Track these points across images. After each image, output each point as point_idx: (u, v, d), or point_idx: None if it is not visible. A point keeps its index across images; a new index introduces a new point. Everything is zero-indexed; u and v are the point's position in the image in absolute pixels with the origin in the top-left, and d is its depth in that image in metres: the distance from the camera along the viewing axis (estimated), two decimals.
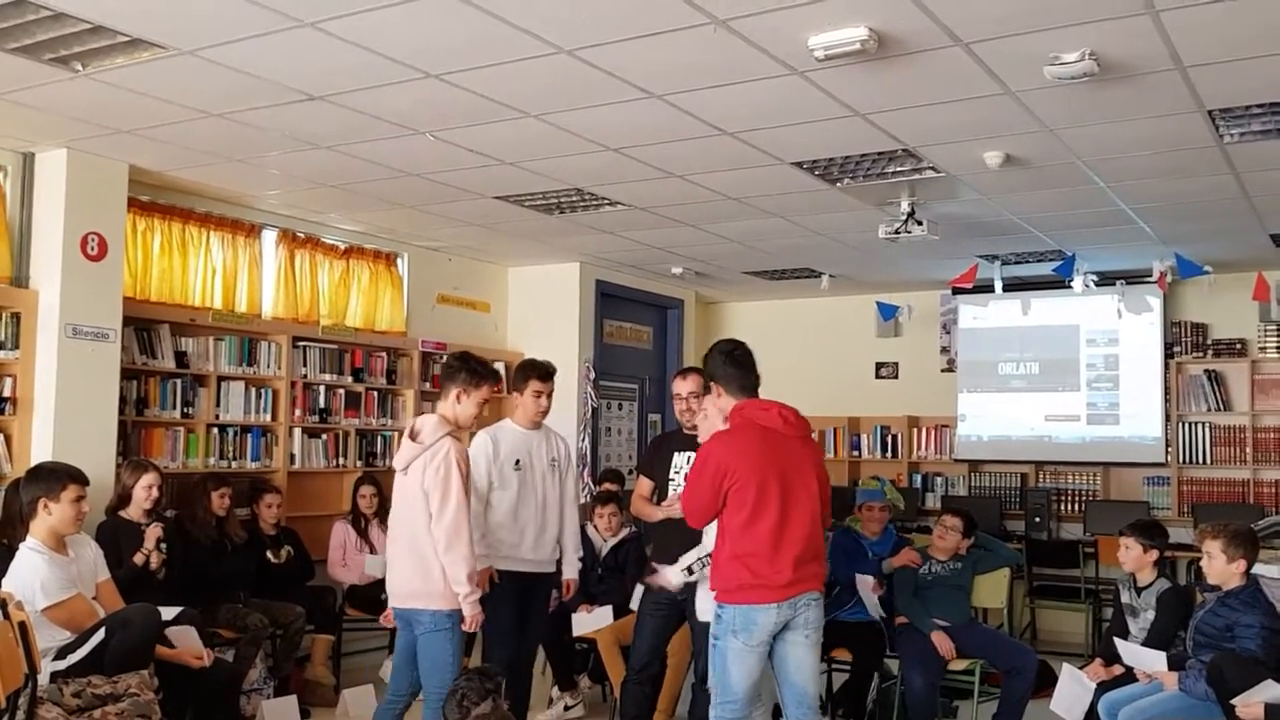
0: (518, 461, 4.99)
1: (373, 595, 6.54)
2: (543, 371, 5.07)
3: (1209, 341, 8.51)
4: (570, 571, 5.24)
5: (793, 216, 6.89)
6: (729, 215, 6.86)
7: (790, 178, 5.89)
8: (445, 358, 4.54)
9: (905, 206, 6.29)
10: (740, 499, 3.86)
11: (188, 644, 4.50)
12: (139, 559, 5.24)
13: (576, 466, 5.32)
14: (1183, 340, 8.58)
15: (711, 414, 4.16)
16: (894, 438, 9.57)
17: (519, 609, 4.99)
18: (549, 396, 5.10)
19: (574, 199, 6.52)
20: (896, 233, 6.32)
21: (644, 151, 5.48)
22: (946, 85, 4.46)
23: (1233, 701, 4.02)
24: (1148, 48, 4.02)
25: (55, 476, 4.53)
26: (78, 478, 4.59)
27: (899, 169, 5.71)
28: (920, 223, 6.27)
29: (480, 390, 4.36)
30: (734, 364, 4.09)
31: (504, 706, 3.02)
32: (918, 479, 9.44)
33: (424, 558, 4.18)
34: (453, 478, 4.14)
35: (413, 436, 4.27)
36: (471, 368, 4.38)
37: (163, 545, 5.42)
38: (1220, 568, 4.55)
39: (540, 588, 5.11)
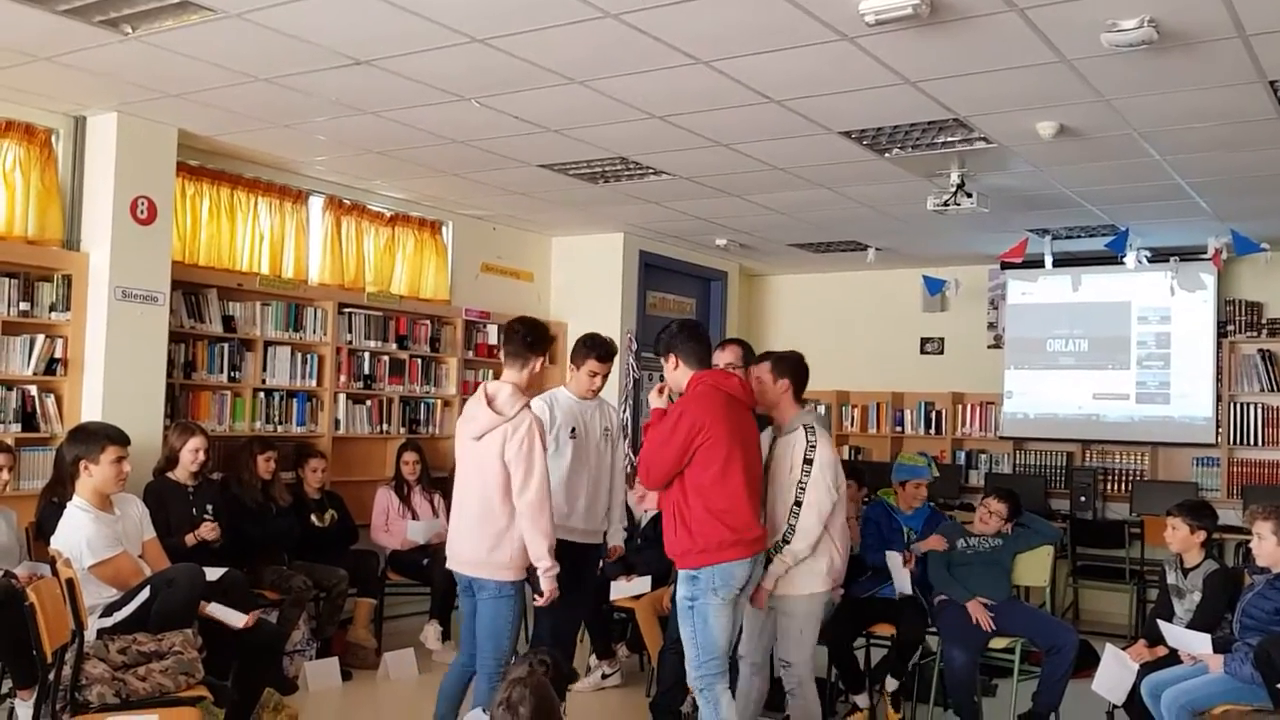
0: (573, 430, 4.96)
1: (414, 560, 6.61)
2: (603, 352, 4.99)
3: (1264, 321, 8.32)
4: (616, 538, 5.25)
5: (839, 187, 6.81)
6: (774, 186, 6.80)
7: (838, 147, 5.82)
8: (511, 324, 4.46)
9: (955, 178, 6.19)
10: (711, 455, 4.02)
11: (227, 618, 4.54)
12: (190, 540, 5.27)
13: (625, 436, 5.31)
14: (1236, 319, 8.39)
15: (670, 381, 4.34)
16: (938, 414, 9.47)
17: (568, 578, 4.85)
18: (604, 378, 5.04)
19: (618, 168, 6.49)
20: (945, 205, 6.23)
21: (690, 119, 5.43)
22: (1000, 52, 4.37)
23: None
24: (1209, 15, 3.91)
25: (94, 438, 4.59)
26: (117, 438, 4.64)
27: (949, 139, 5.62)
28: (970, 195, 6.17)
29: (589, 363, 4.84)
30: (696, 340, 4.34)
31: (540, 673, 3.02)
32: (961, 456, 9.34)
33: (497, 529, 4.16)
34: (536, 452, 4.14)
35: (490, 404, 4.20)
36: (588, 340, 4.84)
37: (208, 509, 5.50)
38: (1270, 550, 4.46)
39: (589, 557, 5.10)
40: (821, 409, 9.26)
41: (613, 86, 4.93)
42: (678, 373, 4.28)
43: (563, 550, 4.74)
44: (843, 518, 4.54)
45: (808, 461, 4.34)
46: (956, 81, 4.74)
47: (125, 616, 4.13)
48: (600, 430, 5.08)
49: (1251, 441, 8.24)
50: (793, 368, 4.52)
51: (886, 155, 5.96)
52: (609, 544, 5.25)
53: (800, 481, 4.32)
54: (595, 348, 4.99)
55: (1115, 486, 8.70)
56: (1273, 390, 8.21)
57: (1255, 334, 8.32)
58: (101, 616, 4.18)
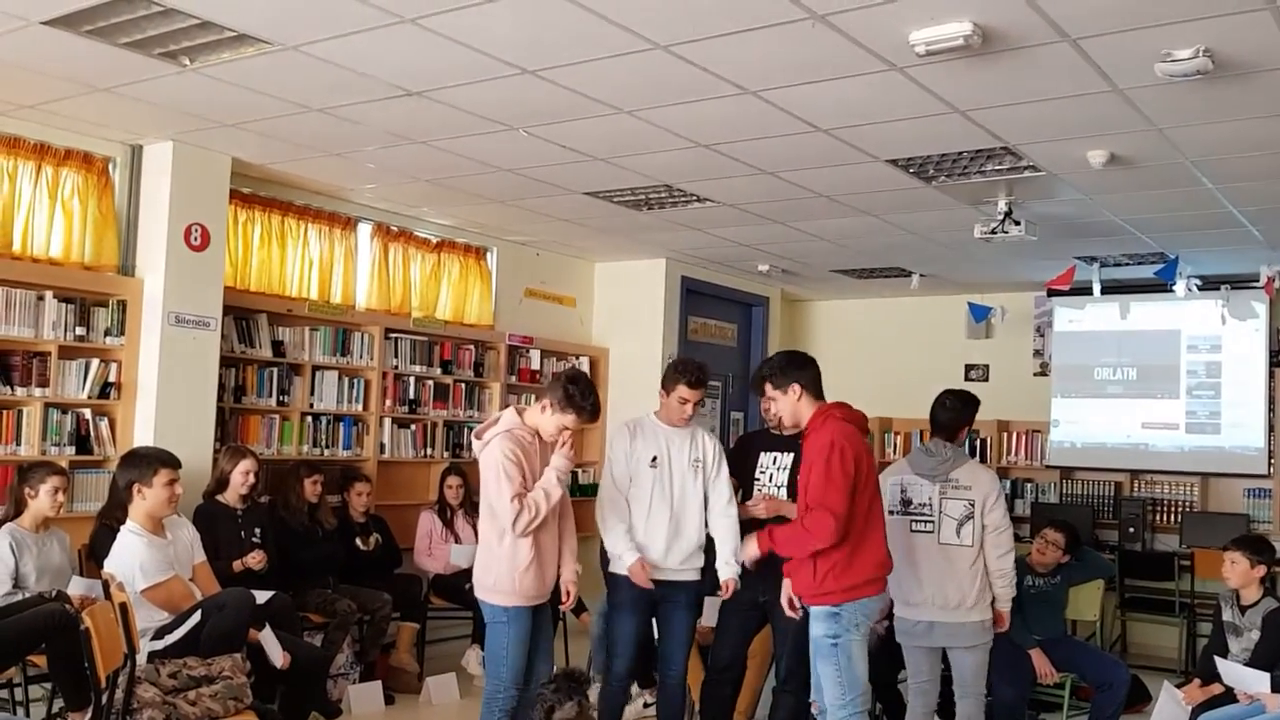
0: (654, 459, 4.68)
1: (457, 585, 6.62)
2: (693, 379, 4.67)
3: None
4: (726, 572, 4.70)
5: (884, 215, 6.79)
6: (819, 213, 6.78)
7: (884, 175, 5.80)
8: (562, 370, 4.48)
9: (1002, 206, 6.15)
10: (863, 489, 3.96)
11: (271, 651, 4.59)
12: (237, 567, 5.32)
13: (726, 465, 4.82)
14: None
15: (785, 412, 4.22)
16: (983, 442, 9.37)
17: (647, 621, 4.76)
18: (695, 405, 4.71)
19: (663, 195, 6.51)
20: (993, 232, 6.19)
21: (735, 148, 5.44)
22: (1051, 82, 4.34)
23: None
24: (1267, 43, 3.86)
25: (147, 462, 4.67)
26: (169, 462, 4.72)
27: (997, 167, 5.58)
28: (1018, 223, 6.13)
29: (566, 416, 4.21)
30: (814, 366, 4.24)
31: (590, 709, 3.02)
32: (1007, 485, 9.21)
33: (487, 551, 4.23)
34: (500, 473, 4.06)
35: (479, 435, 4.29)
36: (569, 393, 4.18)
37: (256, 532, 5.55)
38: None
39: (676, 597, 4.73)
40: None
41: (660, 116, 4.95)
42: (801, 404, 4.15)
43: (641, 588, 4.62)
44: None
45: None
46: (1006, 110, 4.72)
47: (176, 640, 4.17)
48: (689, 460, 4.71)
49: None
50: (786, 365, 4.26)
51: (933, 183, 5.93)
52: (721, 576, 4.71)
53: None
54: (686, 373, 4.69)
55: (1164, 517, 8.56)
56: None
57: None
58: (153, 640, 4.23)
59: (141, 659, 4.01)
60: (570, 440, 4.26)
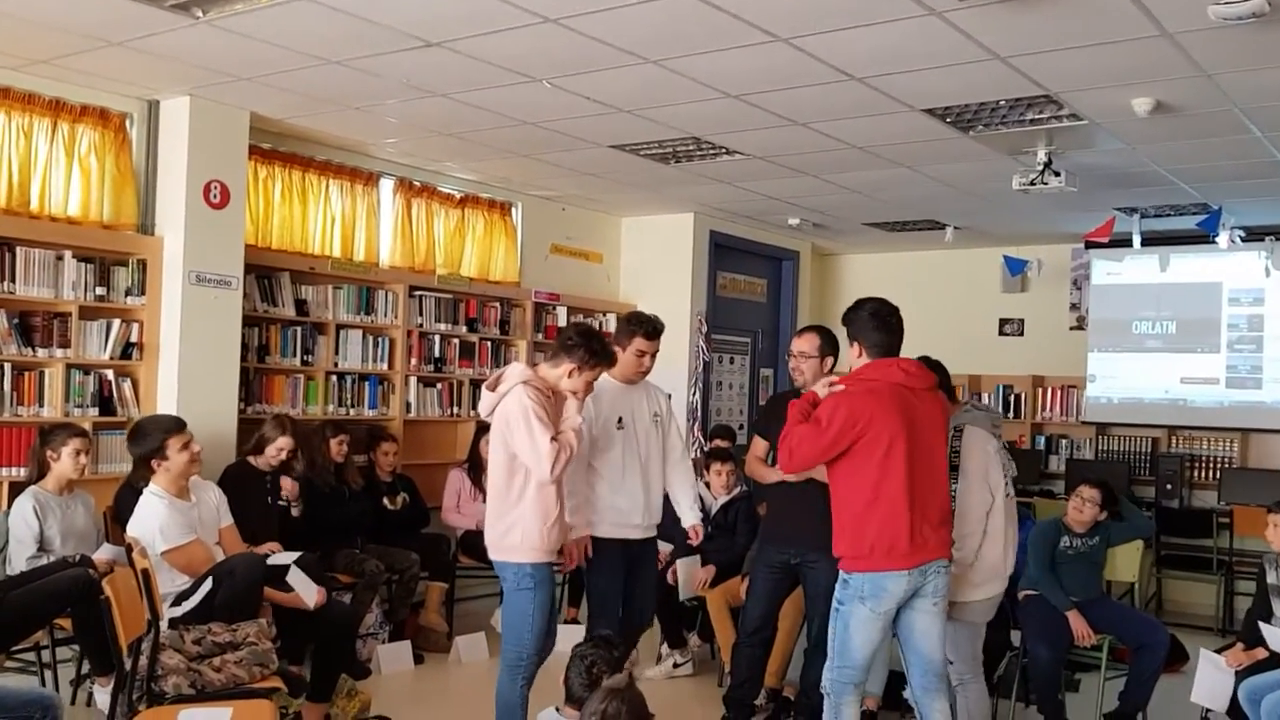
0: (620, 420, 4.61)
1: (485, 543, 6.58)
2: (650, 329, 4.61)
3: None
4: (691, 517, 4.83)
5: (920, 166, 6.61)
6: (852, 165, 6.61)
7: (920, 125, 5.62)
8: (564, 327, 4.39)
9: (1042, 156, 5.97)
10: (868, 455, 3.70)
11: (303, 591, 4.53)
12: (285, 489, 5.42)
13: (677, 416, 4.90)
14: None
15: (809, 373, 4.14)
16: (1017, 397, 9.22)
17: (623, 578, 4.72)
18: (653, 357, 4.66)
19: (690, 148, 6.35)
20: (1031, 184, 6.00)
21: (765, 98, 5.27)
22: (1097, 26, 4.16)
23: None
24: None
25: (152, 436, 4.62)
26: (173, 427, 4.67)
27: (1038, 116, 5.40)
28: (1058, 173, 5.94)
29: (595, 371, 4.16)
30: (886, 329, 3.91)
31: (635, 685, 2.95)
32: (1041, 441, 9.09)
33: (506, 508, 4.08)
34: (531, 417, 3.94)
35: (493, 385, 4.15)
36: (592, 348, 4.12)
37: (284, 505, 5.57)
38: None
39: (648, 553, 4.80)
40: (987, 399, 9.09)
41: (687, 65, 4.80)
42: (860, 362, 3.91)
43: (621, 549, 4.63)
44: (1001, 519, 4.21)
45: (953, 468, 4.10)
46: (1049, 57, 4.53)
47: (192, 607, 4.13)
48: (649, 415, 4.70)
49: None
50: (861, 326, 3.93)
51: (970, 133, 5.75)
52: (685, 523, 4.85)
53: (953, 490, 4.04)
54: (640, 324, 4.62)
55: (1203, 474, 8.40)
56: None
57: None
58: (172, 605, 4.19)
59: (163, 624, 3.97)
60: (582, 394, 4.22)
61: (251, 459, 5.53)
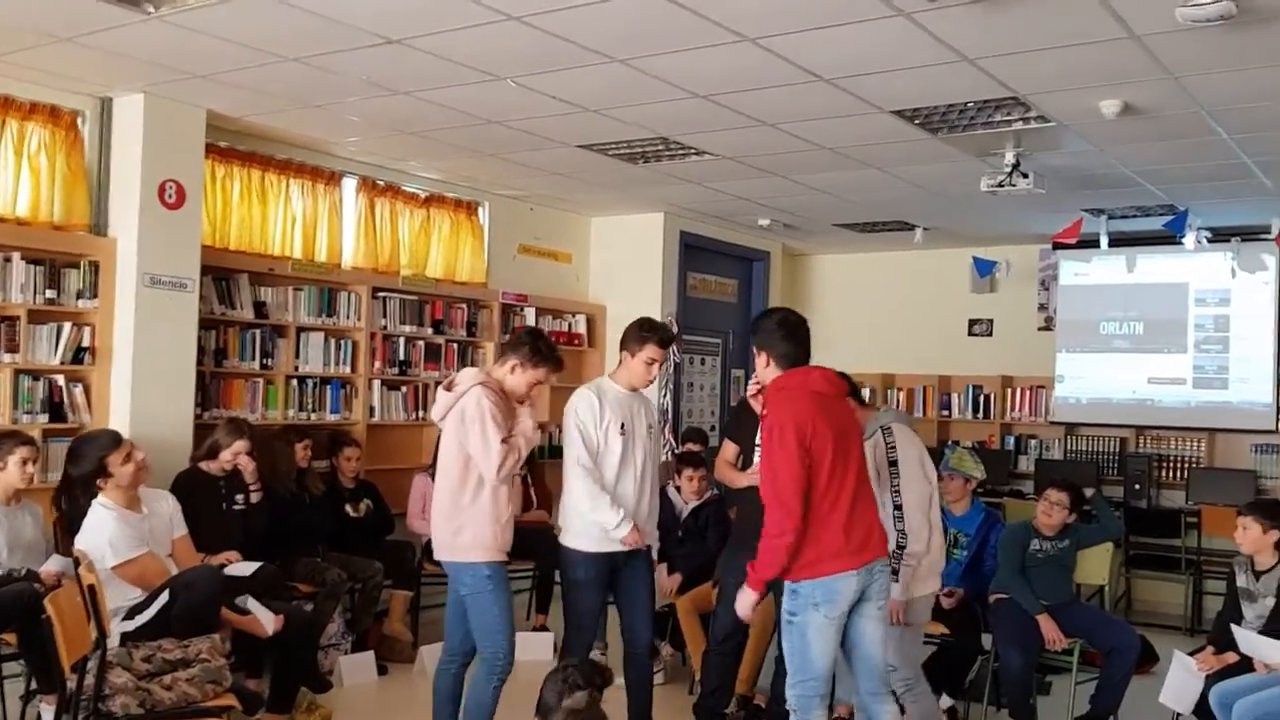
0: (623, 425, 4.47)
1: None
2: (664, 336, 4.51)
3: None
4: (650, 538, 4.69)
5: (889, 167, 6.57)
6: (821, 166, 6.56)
7: (889, 127, 5.57)
8: (514, 330, 4.37)
9: (1010, 158, 5.95)
10: (818, 461, 3.63)
11: (261, 616, 4.43)
12: (218, 561, 5.09)
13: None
14: None
15: (762, 380, 4.01)
16: (986, 398, 9.22)
17: (606, 592, 4.60)
18: (660, 366, 4.57)
19: (659, 148, 6.27)
20: (1000, 185, 5.98)
21: (734, 98, 5.21)
22: (1065, 28, 4.14)
23: None
24: None
25: (89, 455, 4.51)
26: (111, 442, 4.56)
27: (1006, 118, 5.37)
28: (1026, 175, 5.93)
29: (537, 371, 4.21)
30: (793, 338, 3.87)
31: (601, 708, 2.89)
32: (1010, 441, 9.09)
33: (459, 509, 4.10)
34: (487, 419, 3.99)
35: (448, 387, 4.18)
36: (537, 347, 4.20)
37: (238, 499, 5.43)
38: None
39: (640, 565, 4.59)
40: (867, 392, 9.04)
41: (654, 65, 4.72)
42: (768, 371, 3.89)
43: (605, 562, 4.49)
44: (936, 509, 4.47)
45: (892, 464, 4.24)
46: (1018, 59, 4.50)
47: (147, 620, 4.01)
48: (645, 427, 4.59)
49: None
50: (768, 336, 3.91)
51: (939, 135, 5.71)
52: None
53: (893, 485, 4.21)
54: (653, 331, 4.49)
55: (1170, 474, 8.42)
56: None
57: None
58: (124, 619, 4.07)
59: (113, 641, 3.85)
60: (535, 399, 4.30)
61: (204, 465, 5.40)
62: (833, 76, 4.79)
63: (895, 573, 4.20)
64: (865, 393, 8.81)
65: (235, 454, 5.36)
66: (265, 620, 4.44)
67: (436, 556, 4.27)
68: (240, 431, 5.41)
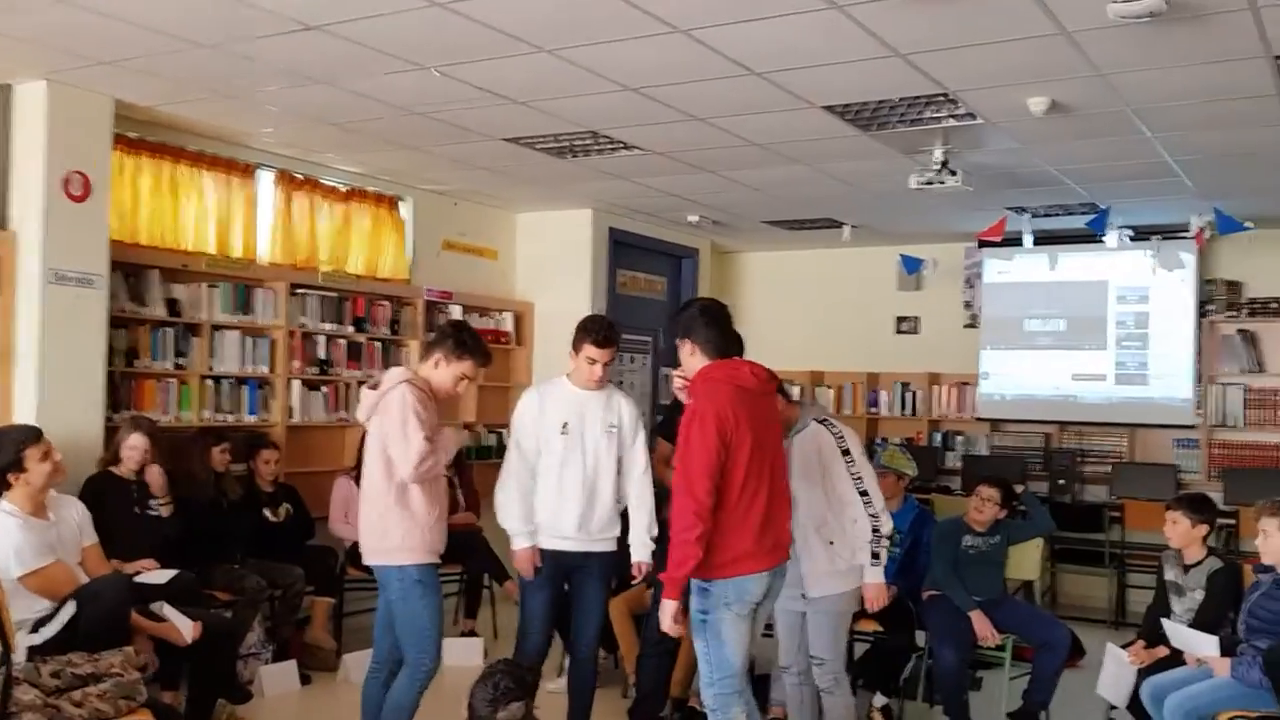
0: (565, 424, 4.41)
1: None
2: (599, 337, 4.39)
3: (1244, 300, 8.19)
4: (640, 553, 4.50)
5: (819, 164, 6.54)
6: (752, 162, 6.51)
7: (820, 123, 5.54)
8: (442, 322, 4.25)
9: (938, 155, 5.97)
10: (735, 458, 3.59)
11: (178, 623, 4.24)
12: (130, 569, 4.87)
13: (644, 430, 4.61)
14: (1216, 298, 8.24)
15: (686, 370, 3.94)
16: (914, 395, 9.28)
17: (560, 594, 4.53)
18: (605, 366, 4.44)
19: (588, 142, 6.16)
20: (929, 183, 5.99)
21: (665, 92, 5.12)
22: (998, 24, 4.13)
23: None
24: None
25: (6, 450, 4.23)
26: (30, 438, 4.31)
27: (935, 115, 5.38)
28: (955, 172, 5.95)
29: (462, 364, 4.09)
30: (716, 325, 3.84)
31: (535, 713, 2.80)
32: (938, 437, 9.16)
33: (383, 511, 3.99)
34: (409, 414, 3.88)
35: (373, 386, 4.06)
36: (460, 339, 4.09)
37: (151, 503, 5.24)
38: (1277, 547, 4.27)
39: (589, 569, 4.51)
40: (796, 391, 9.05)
41: (584, 55, 4.61)
42: (694, 360, 3.82)
43: (552, 561, 4.44)
44: None
45: (845, 453, 4.24)
46: (950, 54, 4.49)
47: (54, 634, 3.80)
48: (603, 426, 4.45)
49: (1232, 423, 8.11)
50: (691, 323, 3.86)
51: (869, 131, 5.70)
52: (633, 558, 4.52)
53: (853, 474, 4.22)
54: (589, 332, 4.41)
55: (1093, 469, 8.55)
56: (1253, 371, 8.08)
57: (1235, 314, 8.19)
58: (31, 632, 3.85)
59: (20, 656, 3.63)
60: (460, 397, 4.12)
61: (113, 469, 5.18)
62: (765, 70, 4.73)
63: (876, 556, 4.23)
64: (794, 391, 8.84)
65: (132, 448, 5.17)
66: (184, 627, 4.26)
67: (365, 561, 4.13)
68: (135, 425, 5.22)
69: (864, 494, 4.23)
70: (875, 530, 4.23)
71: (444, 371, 4.09)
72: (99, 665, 3.66)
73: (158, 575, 4.87)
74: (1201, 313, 8.24)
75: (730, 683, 3.67)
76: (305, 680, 5.71)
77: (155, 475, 5.24)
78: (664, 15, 4.10)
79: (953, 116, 5.38)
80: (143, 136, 5.98)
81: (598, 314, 4.68)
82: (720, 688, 3.67)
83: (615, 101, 5.27)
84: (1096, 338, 8.55)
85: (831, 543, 4.25)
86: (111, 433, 5.44)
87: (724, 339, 3.84)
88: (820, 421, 4.34)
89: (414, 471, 3.90)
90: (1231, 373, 8.16)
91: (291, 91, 5.26)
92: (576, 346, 4.45)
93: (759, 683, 5.27)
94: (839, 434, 4.31)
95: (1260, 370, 8.07)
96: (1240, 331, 8.13)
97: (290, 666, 5.67)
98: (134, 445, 5.16)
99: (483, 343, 4.22)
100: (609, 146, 6.24)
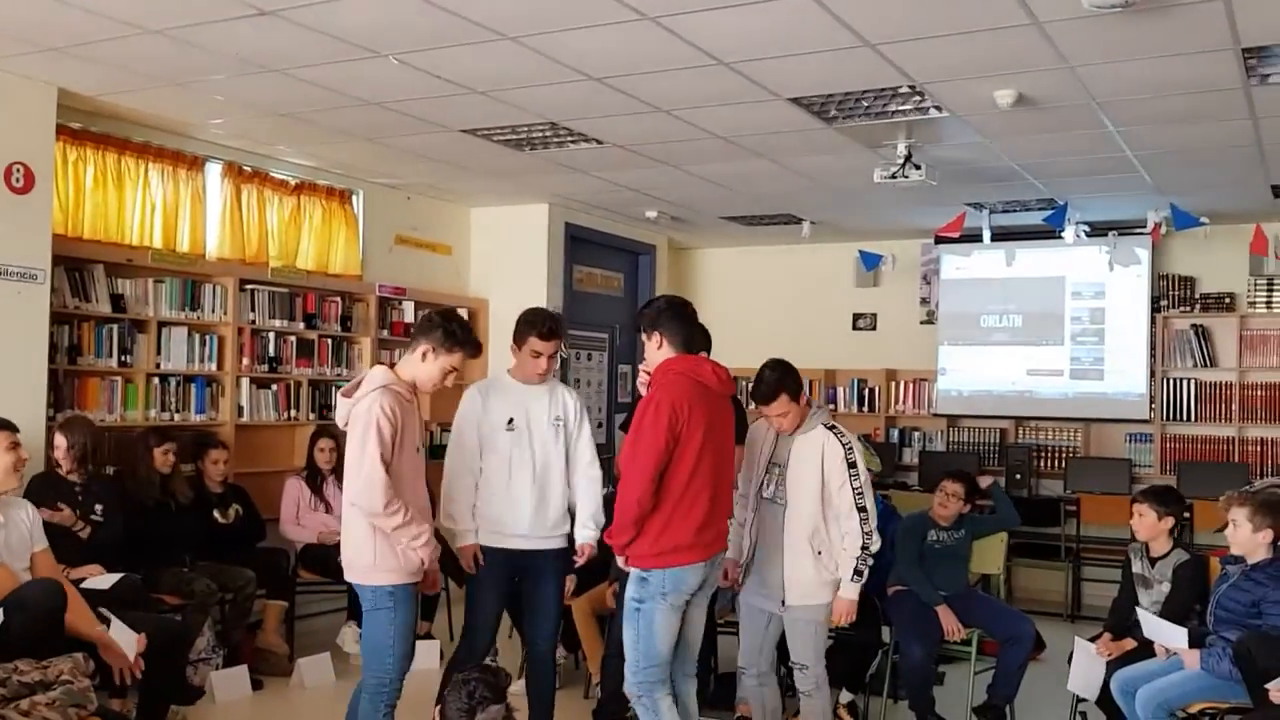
0: (510, 421, 4.33)
1: (327, 556, 6.12)
2: (544, 330, 4.32)
3: (1196, 296, 8.28)
4: (583, 535, 4.45)
5: (781, 158, 6.49)
6: (713, 156, 6.43)
7: (785, 115, 5.48)
8: (426, 312, 4.07)
9: (902, 149, 5.94)
10: (684, 449, 3.70)
11: (122, 646, 4.06)
12: (52, 517, 4.76)
13: (589, 422, 4.55)
14: (1169, 294, 8.33)
15: (651, 363, 3.98)
16: (871, 391, 9.28)
17: (510, 593, 4.45)
18: (550, 359, 4.38)
19: (547, 134, 6.05)
20: (894, 177, 5.96)
21: (628, 82, 5.03)
22: (969, 14, 4.10)
23: (1267, 686, 3.75)
24: None
25: None
26: (2, 424, 4.18)
27: (901, 108, 5.34)
28: (919, 167, 5.93)
29: (451, 356, 3.86)
30: (683, 319, 3.92)
31: (514, 715, 2.72)
32: (895, 433, 9.17)
33: (356, 527, 3.79)
34: (370, 431, 3.64)
35: (348, 393, 3.84)
36: (450, 329, 3.85)
37: (97, 509, 5.04)
38: (1245, 537, 4.27)
39: (543, 566, 4.42)
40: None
41: (548, 44, 4.51)
42: (660, 353, 3.88)
43: (503, 560, 4.35)
44: None
45: (851, 465, 4.18)
46: (919, 45, 4.44)
47: None
48: (550, 420, 4.40)
49: (1184, 417, 8.19)
50: (660, 316, 3.91)
51: (834, 125, 5.65)
52: (577, 539, 4.46)
53: (855, 488, 4.16)
54: (532, 325, 4.34)
55: (1049, 463, 8.60)
56: (1205, 366, 8.17)
57: (1188, 309, 8.27)
58: None
59: None
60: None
61: (57, 469, 5.00)
62: (732, 60, 4.66)
63: (859, 573, 4.19)
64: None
65: (58, 449, 5.02)
66: (126, 644, 4.06)
67: (346, 575, 3.91)
68: (70, 423, 5.11)
69: (862, 510, 4.17)
70: (864, 547, 4.16)
71: (431, 365, 3.86)
72: (48, 673, 3.49)
73: (102, 580, 4.71)
74: (1155, 308, 8.31)
75: (655, 671, 3.76)
76: (257, 685, 5.55)
77: (57, 514, 4.92)
78: (633, 2, 4.01)
79: (918, 109, 5.35)
80: (86, 127, 5.78)
81: (541, 307, 4.57)
82: (645, 675, 3.76)
83: (578, 92, 5.17)
84: (1053, 333, 8.60)
85: (820, 553, 4.20)
86: (53, 433, 5.24)
87: (691, 334, 3.93)
88: (829, 428, 4.27)
89: (360, 499, 3.68)
90: (1184, 367, 8.24)
91: (242, 80, 5.09)
92: (519, 340, 4.37)
93: (724, 681, 5.23)
94: (848, 445, 4.23)
95: (1212, 365, 8.15)
96: (1193, 326, 8.21)
97: (242, 671, 5.50)
98: (58, 445, 5.02)
99: (473, 334, 4.03)
100: (569, 139, 6.13)
